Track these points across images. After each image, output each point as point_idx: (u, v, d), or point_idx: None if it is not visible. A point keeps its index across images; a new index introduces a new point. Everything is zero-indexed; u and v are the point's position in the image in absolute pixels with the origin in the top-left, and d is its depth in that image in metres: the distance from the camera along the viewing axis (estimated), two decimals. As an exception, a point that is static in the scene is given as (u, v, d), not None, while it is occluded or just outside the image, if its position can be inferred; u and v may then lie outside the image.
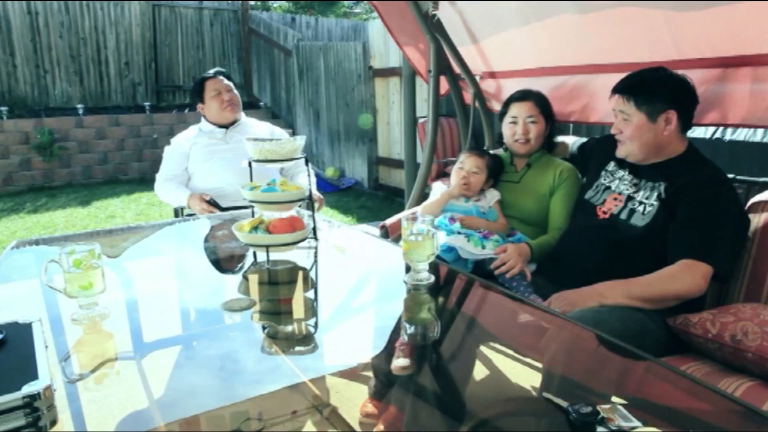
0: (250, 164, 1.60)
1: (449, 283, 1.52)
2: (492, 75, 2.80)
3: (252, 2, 10.72)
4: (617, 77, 1.78)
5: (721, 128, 2.84)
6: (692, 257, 1.51)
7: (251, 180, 1.63)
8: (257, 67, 8.98)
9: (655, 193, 1.67)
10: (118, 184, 7.06)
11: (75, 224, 5.19)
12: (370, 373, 1.05)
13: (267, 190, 1.52)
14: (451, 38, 2.69)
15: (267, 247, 1.50)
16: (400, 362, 1.04)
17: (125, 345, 1.13)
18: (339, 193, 6.52)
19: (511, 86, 2.66)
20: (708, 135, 2.89)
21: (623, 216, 1.71)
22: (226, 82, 2.79)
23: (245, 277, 1.55)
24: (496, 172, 2.10)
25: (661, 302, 1.52)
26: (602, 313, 1.45)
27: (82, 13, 7.83)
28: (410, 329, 1.21)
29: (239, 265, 1.66)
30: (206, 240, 2.00)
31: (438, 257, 1.81)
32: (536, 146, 2.07)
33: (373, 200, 6.16)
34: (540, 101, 2.07)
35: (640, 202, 1.69)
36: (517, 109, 2.06)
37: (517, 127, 2.05)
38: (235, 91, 2.83)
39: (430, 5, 2.48)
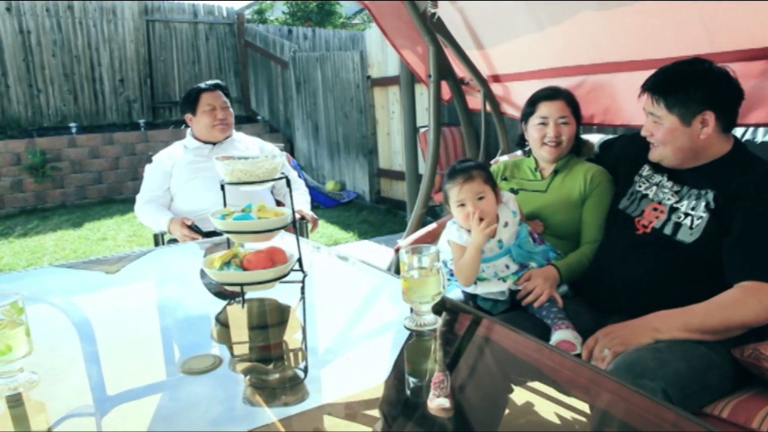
0: (222, 187, 1.37)
1: (459, 325, 1.27)
2: (496, 78, 2.57)
3: (248, 16, 10.59)
4: (641, 75, 1.55)
5: (752, 128, 2.59)
6: (757, 279, 1.29)
7: (225, 205, 1.40)
8: (254, 80, 8.81)
9: (703, 203, 1.43)
10: (112, 203, 6.87)
11: (65, 248, 4.98)
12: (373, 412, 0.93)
13: (240, 217, 1.28)
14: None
15: (241, 286, 1.26)
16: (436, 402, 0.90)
17: (71, 406, 0.93)
18: (340, 208, 6.29)
19: (519, 89, 2.43)
20: (737, 136, 2.64)
21: (667, 231, 1.47)
22: (224, 98, 2.57)
23: (217, 320, 1.32)
24: (494, 179, 1.67)
25: (725, 333, 1.30)
26: (662, 352, 1.24)
27: (75, 30, 7.69)
28: (413, 383, 0.98)
29: (218, 304, 1.43)
30: (183, 273, 1.77)
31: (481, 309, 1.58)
32: (566, 150, 1.81)
33: (375, 214, 5.92)
34: (570, 100, 1.82)
35: (686, 214, 1.46)
36: (547, 109, 1.78)
37: (548, 129, 1.77)
38: (231, 110, 2.61)
39: (428, 4, 2.26)
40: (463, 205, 1.56)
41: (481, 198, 1.56)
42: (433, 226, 2.22)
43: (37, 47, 7.45)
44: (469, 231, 1.56)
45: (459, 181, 1.57)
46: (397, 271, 1.90)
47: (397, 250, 2.08)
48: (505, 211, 1.62)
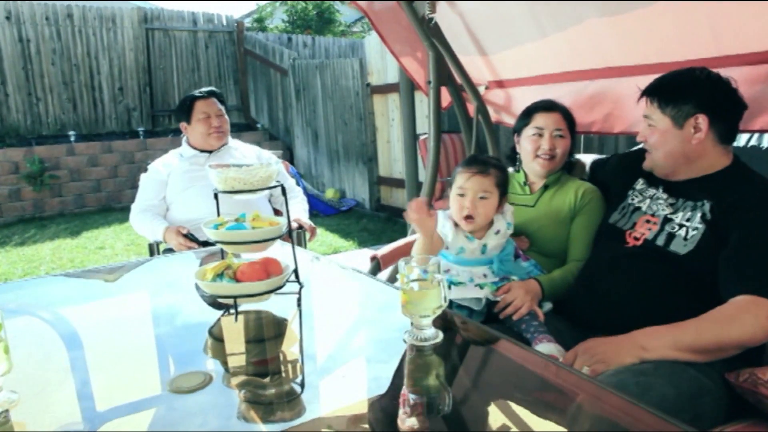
0: (216, 196, 1.33)
1: (459, 338, 1.23)
2: (500, 84, 2.54)
3: (248, 24, 10.60)
4: (646, 79, 1.52)
5: (757, 134, 2.54)
6: (753, 293, 1.21)
7: (218, 214, 1.36)
8: (254, 88, 8.79)
9: (699, 214, 1.38)
10: (111, 212, 6.83)
11: (62, 257, 4.93)
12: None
13: (234, 227, 1.24)
14: (453, 46, 2.43)
15: (234, 298, 1.22)
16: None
17: (53, 425, 0.88)
18: (339, 216, 6.25)
19: (521, 95, 2.39)
20: (742, 143, 2.59)
21: (660, 242, 1.41)
22: (219, 105, 2.53)
23: (210, 334, 1.27)
24: (506, 187, 1.61)
25: (717, 353, 1.21)
26: (647, 375, 1.15)
27: (74, 38, 7.67)
28: (412, 400, 0.93)
29: (212, 316, 1.38)
30: (178, 283, 1.72)
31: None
32: (559, 165, 1.76)
33: (375, 222, 5.88)
34: (567, 114, 1.77)
35: (681, 225, 1.40)
36: (543, 120, 1.74)
37: (542, 141, 1.73)
38: (226, 117, 2.57)
39: (426, 8, 2.22)
40: (463, 195, 1.52)
41: (483, 197, 1.51)
42: (414, 237, 2.16)
43: (37, 56, 7.43)
44: (456, 225, 1.54)
45: (472, 170, 1.53)
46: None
47: (373, 258, 2.00)
48: (500, 219, 1.58)
